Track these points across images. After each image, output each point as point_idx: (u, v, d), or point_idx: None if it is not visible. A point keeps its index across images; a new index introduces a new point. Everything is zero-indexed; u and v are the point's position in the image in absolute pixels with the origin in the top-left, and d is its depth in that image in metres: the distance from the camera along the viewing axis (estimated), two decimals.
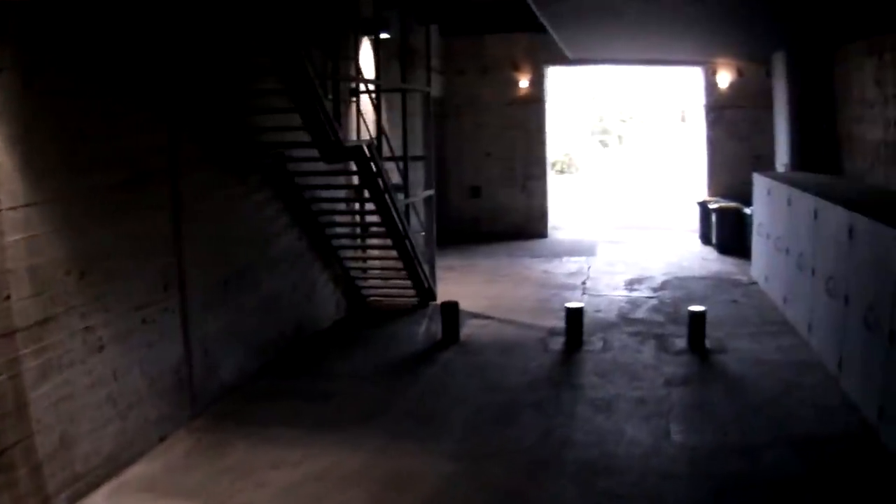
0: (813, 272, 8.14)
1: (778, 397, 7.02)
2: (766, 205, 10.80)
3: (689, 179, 24.59)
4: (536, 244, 15.16)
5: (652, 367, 7.91)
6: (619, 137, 34.94)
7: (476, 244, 14.92)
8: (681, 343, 8.60)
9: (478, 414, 6.84)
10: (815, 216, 8.07)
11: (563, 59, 14.75)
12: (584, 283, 11.81)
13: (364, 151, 8.26)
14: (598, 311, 10.13)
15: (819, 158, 11.29)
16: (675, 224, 16.96)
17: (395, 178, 9.70)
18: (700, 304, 9.72)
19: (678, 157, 27.65)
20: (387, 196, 8.80)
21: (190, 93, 6.69)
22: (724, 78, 14.50)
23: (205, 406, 6.85)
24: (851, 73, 10.65)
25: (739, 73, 14.44)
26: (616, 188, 24.65)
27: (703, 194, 15.14)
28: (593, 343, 8.72)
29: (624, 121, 36.35)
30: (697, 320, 8.55)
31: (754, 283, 11.40)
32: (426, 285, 10.40)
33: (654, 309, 10.18)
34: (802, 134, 11.59)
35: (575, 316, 8.71)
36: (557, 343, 8.76)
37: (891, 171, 9.32)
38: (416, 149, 11.08)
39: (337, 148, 7.59)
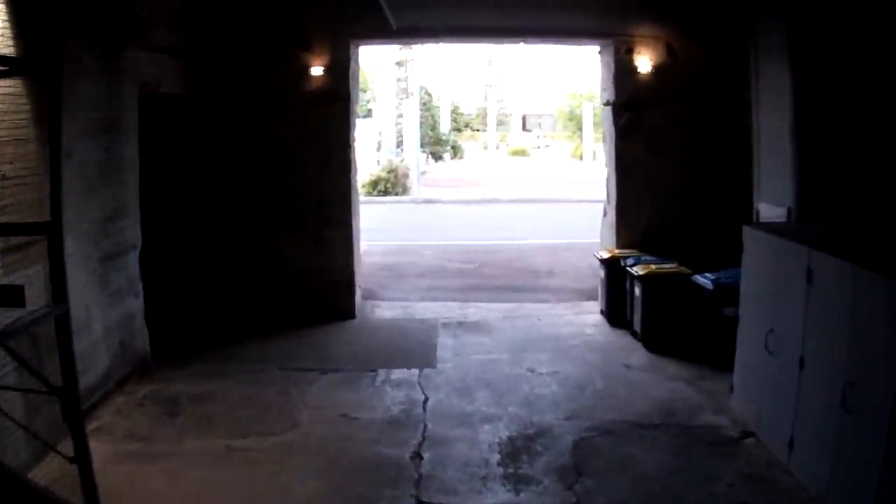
0: None
1: None
2: (791, 296, 5.18)
3: (559, 206, 19.38)
4: (337, 334, 8.69)
5: None
6: (454, 149, 29.51)
7: (237, 339, 8.36)
8: None
9: None
10: None
11: (382, 32, 8.87)
12: (416, 456, 5.62)
13: None
14: None
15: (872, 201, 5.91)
16: (553, 280, 11.31)
17: None
18: None
19: (535, 173, 22.87)
20: None
21: None
22: (645, 62, 8.91)
23: None
24: None
25: (670, 51, 8.90)
26: (457, 216, 18.90)
27: (608, 242, 9.47)
28: None
29: (460, 129, 31.09)
30: None
31: (749, 435, 5.85)
32: None
33: None
34: (828, 153, 6.15)
35: None
36: None
37: None
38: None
39: None
